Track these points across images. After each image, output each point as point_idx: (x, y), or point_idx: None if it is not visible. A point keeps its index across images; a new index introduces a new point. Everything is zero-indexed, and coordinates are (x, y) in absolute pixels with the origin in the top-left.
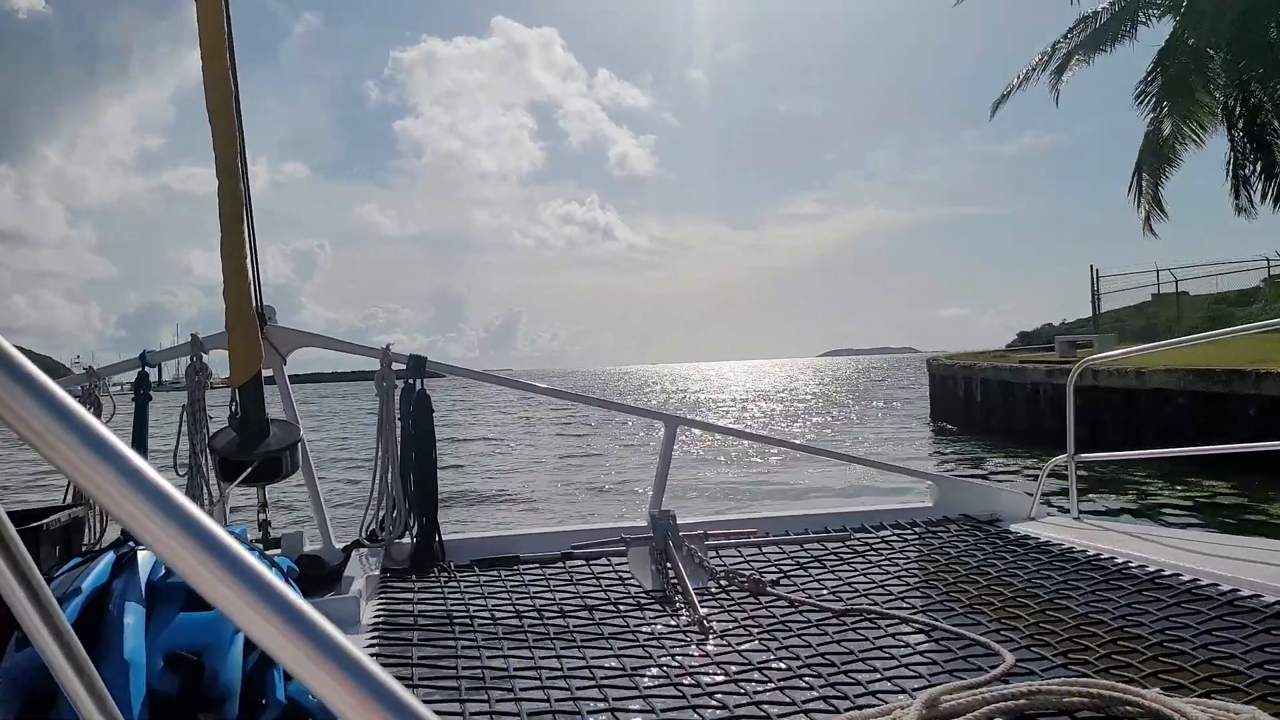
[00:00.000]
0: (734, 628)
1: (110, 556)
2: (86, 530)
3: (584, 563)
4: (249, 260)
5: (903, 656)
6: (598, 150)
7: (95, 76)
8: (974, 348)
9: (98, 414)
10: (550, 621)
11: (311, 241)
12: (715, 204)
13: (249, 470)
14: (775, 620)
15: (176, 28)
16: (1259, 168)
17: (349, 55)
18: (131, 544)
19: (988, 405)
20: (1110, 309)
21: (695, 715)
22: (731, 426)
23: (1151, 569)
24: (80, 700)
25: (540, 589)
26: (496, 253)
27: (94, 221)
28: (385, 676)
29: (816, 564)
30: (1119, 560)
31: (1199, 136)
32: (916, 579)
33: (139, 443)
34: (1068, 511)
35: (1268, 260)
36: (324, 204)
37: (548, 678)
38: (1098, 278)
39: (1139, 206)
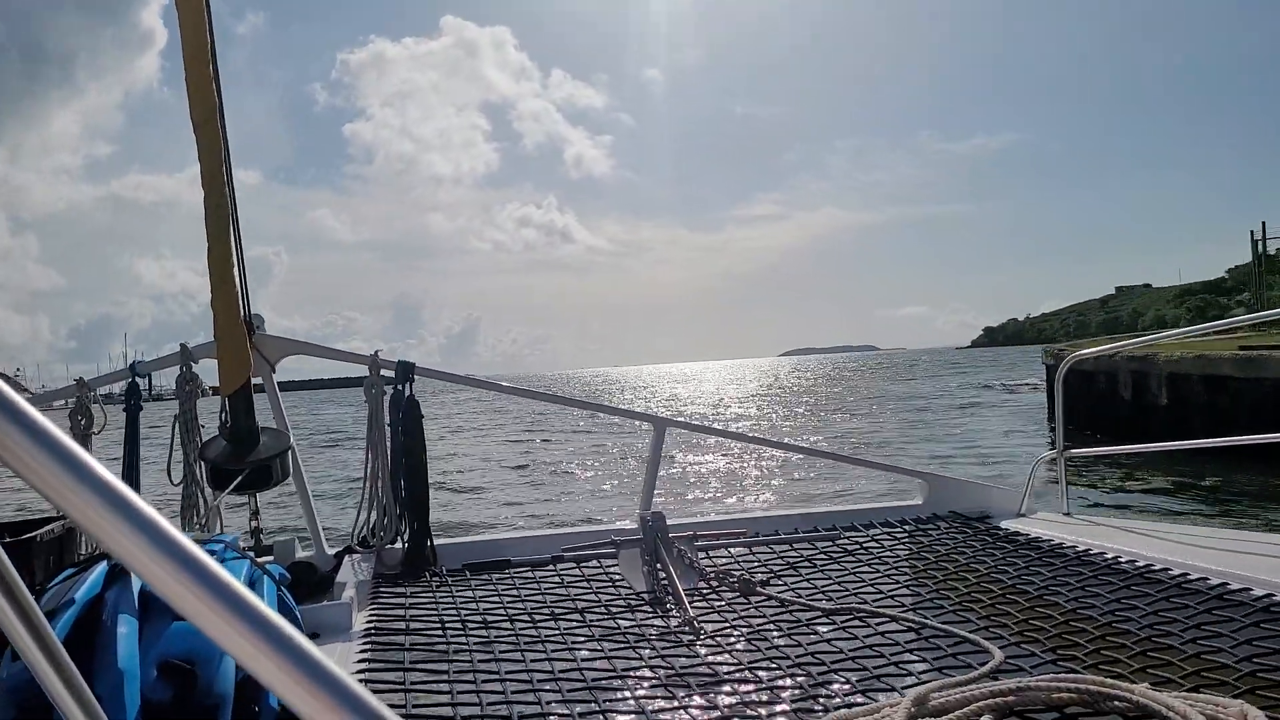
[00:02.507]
0: (724, 628)
1: (103, 567)
2: (81, 540)
3: (575, 565)
4: (236, 269)
5: (892, 654)
6: (553, 151)
7: (40, 83)
8: (935, 345)
9: (90, 424)
10: (542, 624)
11: (267, 249)
12: (674, 205)
13: (240, 478)
14: (765, 620)
15: (124, 34)
16: None
17: (295, 57)
18: None
19: (1178, 412)
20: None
21: (686, 716)
22: (718, 428)
23: (1140, 563)
24: (70, 713)
25: (531, 592)
26: (453, 257)
27: (39, 231)
28: (359, 689)
29: (806, 564)
30: (1108, 555)
31: None
32: (906, 577)
33: (132, 452)
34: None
35: None
36: (278, 210)
37: (539, 680)
38: (1264, 238)
39: None
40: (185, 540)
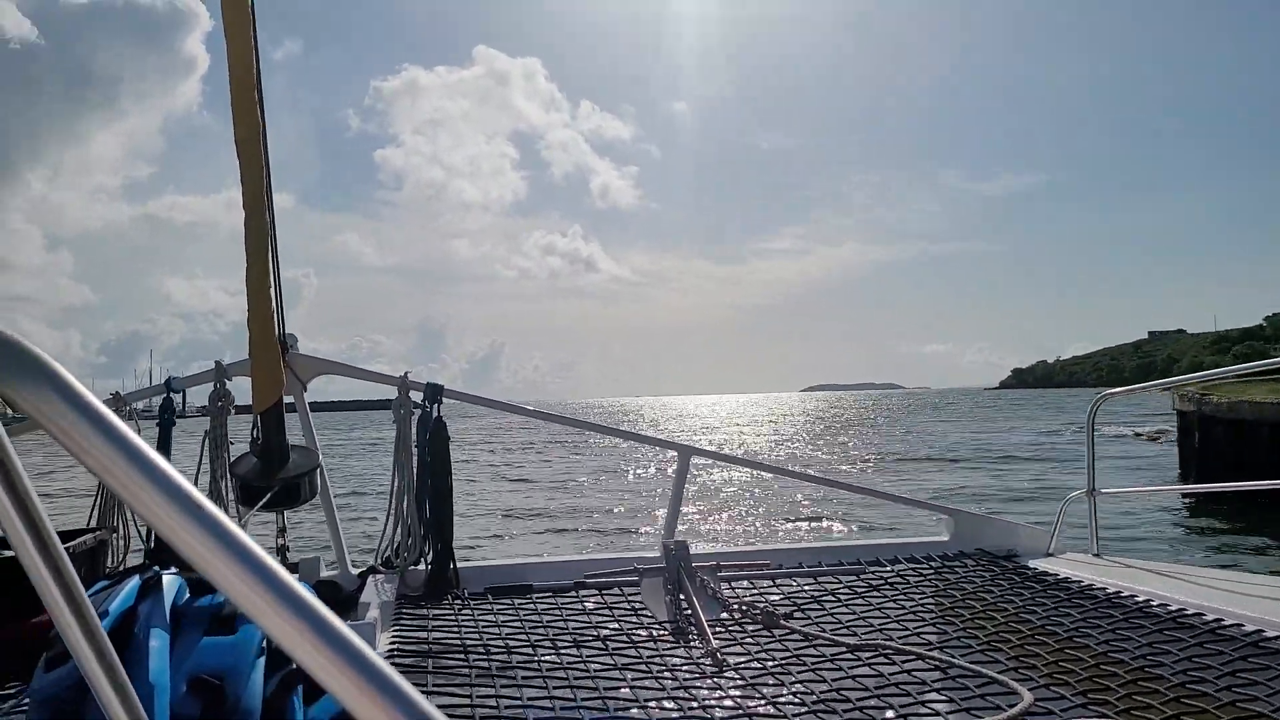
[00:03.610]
0: (748, 661)
1: (136, 580)
2: (110, 552)
3: (597, 592)
4: (273, 288)
5: (919, 694)
6: (580, 181)
7: (84, 105)
8: (961, 385)
9: None
10: (564, 652)
11: (298, 271)
12: (697, 237)
13: (269, 495)
14: (789, 654)
15: (168, 61)
16: None
17: (330, 84)
18: (156, 568)
19: None
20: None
21: None
22: (744, 457)
23: (1174, 608)
24: (116, 716)
25: (554, 618)
26: (479, 283)
27: (73, 248)
28: (418, 696)
29: (831, 597)
30: (1140, 598)
31: None
32: (933, 614)
33: None
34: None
35: None
36: (309, 234)
37: (561, 709)
38: None
39: None
40: (257, 546)
